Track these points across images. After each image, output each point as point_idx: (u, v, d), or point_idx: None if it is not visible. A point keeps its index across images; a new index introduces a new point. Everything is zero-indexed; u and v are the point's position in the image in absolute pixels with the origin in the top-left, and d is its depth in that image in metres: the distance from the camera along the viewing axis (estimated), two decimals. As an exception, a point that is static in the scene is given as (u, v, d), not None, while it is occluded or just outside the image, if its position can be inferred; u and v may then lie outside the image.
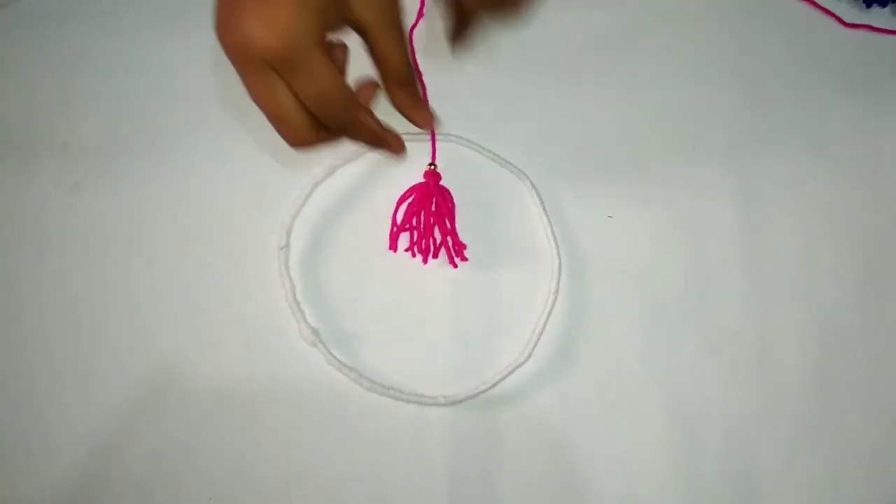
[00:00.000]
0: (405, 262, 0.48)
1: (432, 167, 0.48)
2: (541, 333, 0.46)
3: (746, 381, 0.47)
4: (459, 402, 0.45)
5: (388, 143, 0.42)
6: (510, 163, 0.49)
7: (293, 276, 0.45)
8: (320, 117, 0.39)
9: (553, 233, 0.47)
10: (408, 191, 0.48)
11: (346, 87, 0.39)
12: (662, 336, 0.48)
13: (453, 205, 0.48)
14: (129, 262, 0.47)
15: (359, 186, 0.49)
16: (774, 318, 0.48)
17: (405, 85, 0.41)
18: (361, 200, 0.49)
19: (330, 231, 0.48)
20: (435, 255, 0.48)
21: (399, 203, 0.48)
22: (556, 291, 0.46)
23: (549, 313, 0.46)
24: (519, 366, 0.45)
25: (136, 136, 0.49)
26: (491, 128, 0.50)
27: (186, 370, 0.45)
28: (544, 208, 0.48)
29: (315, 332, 0.45)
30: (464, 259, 0.48)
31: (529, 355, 0.45)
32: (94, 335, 0.46)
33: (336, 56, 0.40)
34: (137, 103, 0.50)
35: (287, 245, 0.45)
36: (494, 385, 0.45)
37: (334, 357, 0.45)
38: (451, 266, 0.48)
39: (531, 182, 0.48)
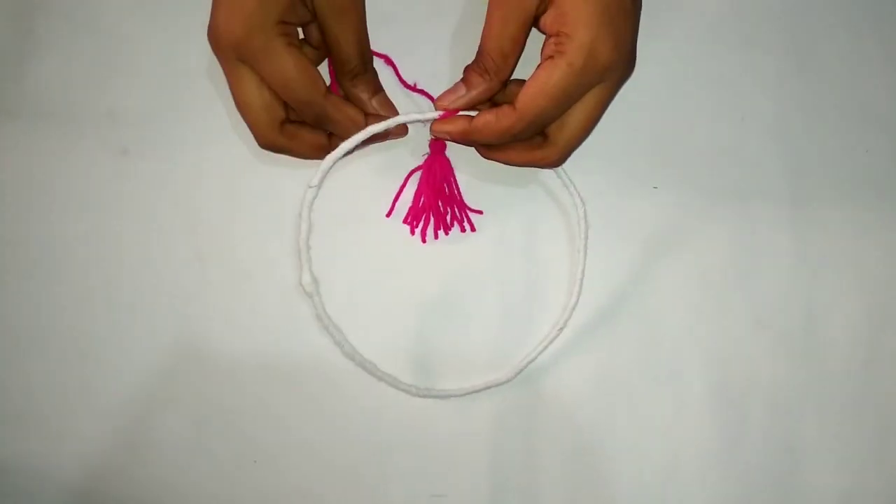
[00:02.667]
0: (430, 252, 0.47)
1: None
2: (574, 307, 0.44)
3: (792, 354, 0.47)
4: (500, 385, 0.45)
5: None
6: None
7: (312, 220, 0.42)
8: (292, 107, 0.40)
9: (582, 201, 0.44)
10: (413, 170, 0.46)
11: (309, 74, 0.38)
12: (707, 308, 0.48)
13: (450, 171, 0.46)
14: (174, 227, 0.47)
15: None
16: (822, 291, 0.48)
17: (353, 77, 0.41)
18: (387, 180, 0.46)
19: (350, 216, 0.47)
20: (446, 230, 0.46)
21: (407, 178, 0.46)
22: (584, 258, 0.44)
23: (581, 284, 0.45)
24: (552, 340, 0.45)
25: (182, 101, 0.48)
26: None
27: (228, 335, 0.46)
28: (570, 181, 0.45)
29: (315, 281, 0.42)
30: (472, 228, 0.47)
31: (561, 329, 0.45)
32: (140, 298, 0.47)
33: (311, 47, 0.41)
34: (182, 68, 0.48)
35: (318, 186, 0.42)
36: (530, 363, 0.45)
37: (326, 314, 0.43)
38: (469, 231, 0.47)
39: None
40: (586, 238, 0.45)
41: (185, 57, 0.48)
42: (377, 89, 0.42)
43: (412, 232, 0.46)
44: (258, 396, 0.46)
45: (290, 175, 0.46)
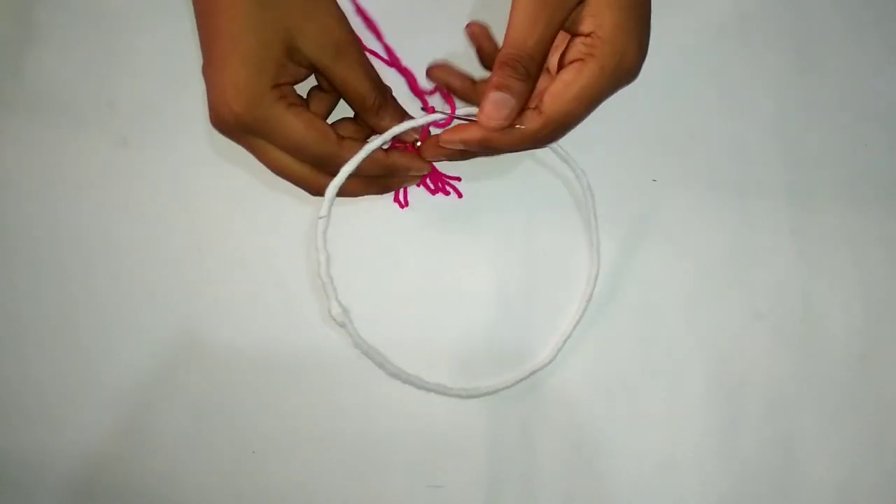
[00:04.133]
0: (435, 242, 0.47)
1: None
2: (597, 276, 0.45)
3: (790, 347, 0.48)
4: (492, 393, 0.45)
5: (401, 169, 0.40)
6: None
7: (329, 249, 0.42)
8: (312, 165, 0.39)
9: (583, 172, 0.44)
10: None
11: (316, 129, 0.37)
12: (706, 300, 0.48)
13: None
14: (173, 218, 0.46)
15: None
16: (819, 284, 0.48)
17: (377, 110, 0.39)
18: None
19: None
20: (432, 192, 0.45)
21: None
22: (597, 226, 0.45)
23: (599, 252, 0.45)
24: (583, 313, 0.45)
25: (182, 92, 0.47)
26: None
27: (226, 325, 0.46)
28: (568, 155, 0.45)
29: (345, 311, 0.42)
30: (458, 193, 0.45)
31: (589, 300, 0.45)
32: (139, 289, 0.46)
33: (316, 102, 0.40)
34: (182, 59, 0.46)
35: (327, 216, 0.41)
36: (566, 340, 0.45)
37: (363, 339, 0.42)
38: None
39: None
40: (594, 207, 0.45)
41: (185, 47, 0.47)
42: (402, 115, 0.41)
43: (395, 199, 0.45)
44: (256, 387, 0.46)
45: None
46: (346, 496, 0.46)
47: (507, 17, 0.38)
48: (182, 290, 0.46)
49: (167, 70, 0.47)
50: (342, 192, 0.40)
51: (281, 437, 0.46)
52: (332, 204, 0.41)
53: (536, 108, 0.37)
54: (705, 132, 0.49)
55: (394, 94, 0.41)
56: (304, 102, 0.39)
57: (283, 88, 0.37)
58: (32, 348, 0.46)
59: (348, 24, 0.38)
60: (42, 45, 0.48)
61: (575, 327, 0.46)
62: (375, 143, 0.40)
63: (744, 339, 0.47)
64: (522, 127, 0.37)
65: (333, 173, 0.39)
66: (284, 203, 0.46)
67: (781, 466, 0.47)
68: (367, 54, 0.40)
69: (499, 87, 0.37)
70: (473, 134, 0.38)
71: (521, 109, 0.37)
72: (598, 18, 0.36)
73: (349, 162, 0.40)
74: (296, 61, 0.38)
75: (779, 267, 0.48)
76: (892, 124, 0.50)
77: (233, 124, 0.37)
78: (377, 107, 0.39)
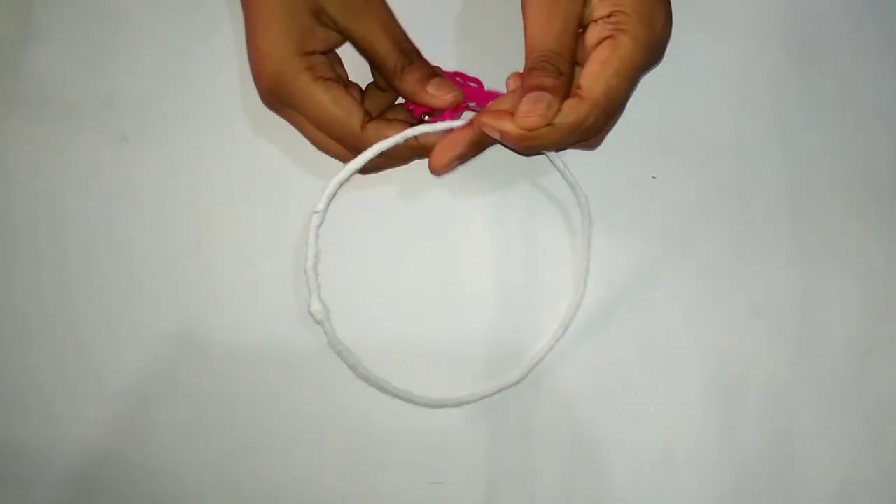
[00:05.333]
0: (432, 243, 0.46)
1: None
2: (579, 304, 0.45)
3: (789, 344, 0.48)
4: (458, 406, 0.44)
5: (418, 153, 0.39)
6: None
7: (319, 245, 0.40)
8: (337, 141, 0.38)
9: (587, 199, 0.44)
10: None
11: (342, 107, 0.37)
12: (705, 297, 0.47)
13: None
14: (173, 213, 0.45)
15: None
16: (819, 281, 0.48)
17: (401, 72, 0.38)
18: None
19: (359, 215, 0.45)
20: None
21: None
22: (588, 255, 0.45)
23: (585, 282, 0.45)
24: (558, 339, 0.45)
25: (183, 87, 0.45)
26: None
27: (227, 322, 0.45)
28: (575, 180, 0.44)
29: (325, 308, 0.40)
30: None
31: (566, 328, 0.45)
32: (139, 285, 0.45)
33: (370, 99, 0.40)
34: (183, 53, 0.46)
35: (324, 210, 0.39)
36: (538, 362, 0.45)
37: (338, 340, 0.41)
38: None
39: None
40: (590, 235, 0.45)
41: (186, 42, 0.46)
42: (431, 74, 0.38)
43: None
44: (257, 383, 0.45)
45: (291, 161, 0.45)
46: (345, 492, 0.45)
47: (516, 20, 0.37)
48: (182, 286, 0.45)
49: (167, 65, 0.45)
50: (367, 169, 0.39)
51: (281, 433, 0.45)
52: (330, 199, 0.39)
53: (575, 96, 0.35)
54: (705, 129, 0.48)
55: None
56: (339, 80, 0.38)
57: (311, 58, 0.36)
58: (30, 343, 0.44)
59: None
60: (41, 40, 0.45)
61: (549, 352, 0.45)
62: (384, 143, 0.38)
63: (743, 336, 0.47)
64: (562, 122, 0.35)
65: (357, 153, 0.38)
66: (286, 199, 0.45)
67: (781, 463, 0.47)
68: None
69: (532, 89, 0.35)
70: (508, 126, 0.35)
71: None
72: None
73: (353, 161, 0.38)
74: (324, 24, 0.36)
75: (778, 264, 0.48)
76: (893, 121, 0.49)
77: (268, 96, 0.37)
78: (401, 68, 0.37)
